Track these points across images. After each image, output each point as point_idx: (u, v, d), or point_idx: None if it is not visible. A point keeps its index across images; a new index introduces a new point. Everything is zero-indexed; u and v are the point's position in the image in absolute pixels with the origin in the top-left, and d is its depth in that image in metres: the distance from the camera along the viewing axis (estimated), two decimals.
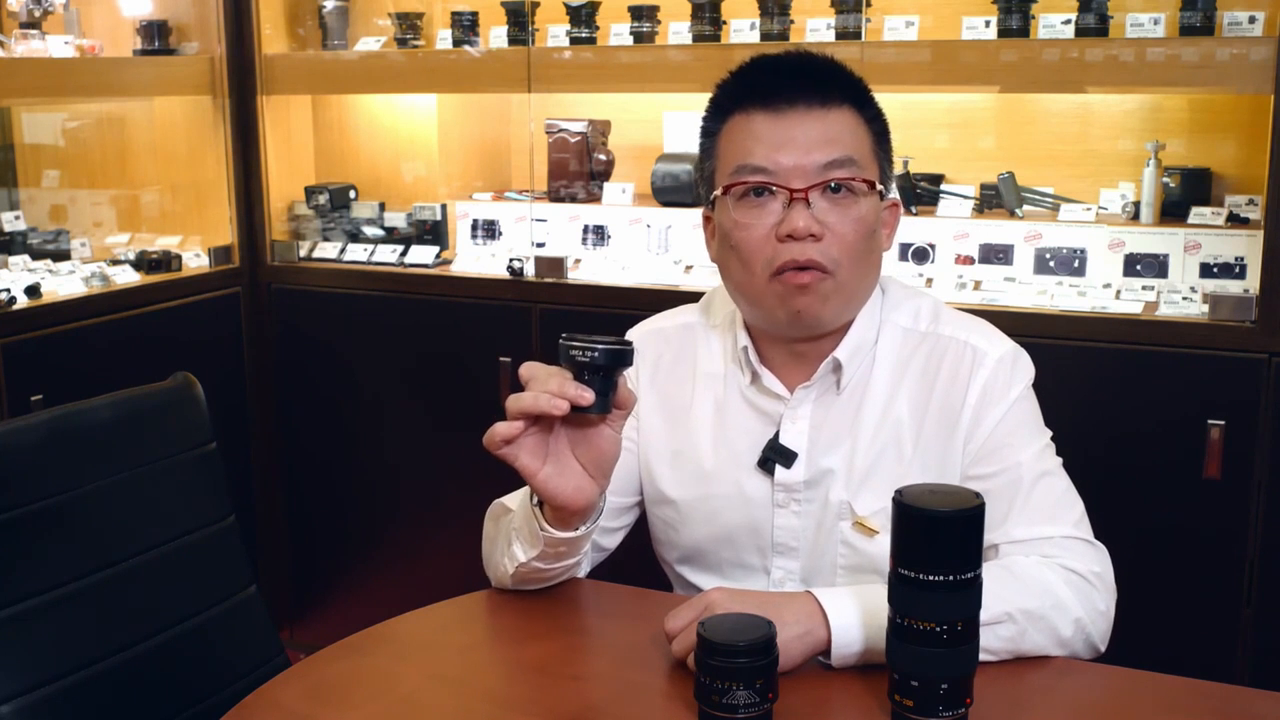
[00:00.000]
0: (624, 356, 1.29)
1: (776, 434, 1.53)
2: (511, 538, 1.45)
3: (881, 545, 1.48)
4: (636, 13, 2.83)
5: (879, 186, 1.48)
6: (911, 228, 2.68)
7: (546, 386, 1.29)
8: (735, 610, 1.24)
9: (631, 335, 1.64)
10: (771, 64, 1.49)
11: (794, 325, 1.48)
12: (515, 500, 1.50)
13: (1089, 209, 2.64)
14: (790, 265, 1.43)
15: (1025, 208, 2.70)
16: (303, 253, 3.21)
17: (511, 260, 2.89)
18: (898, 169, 2.74)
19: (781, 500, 1.53)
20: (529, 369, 1.32)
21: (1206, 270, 2.48)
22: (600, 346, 1.27)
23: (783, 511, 1.53)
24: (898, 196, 1.56)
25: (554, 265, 2.87)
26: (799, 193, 1.43)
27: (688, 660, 1.25)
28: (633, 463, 1.60)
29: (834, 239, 1.43)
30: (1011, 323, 1.97)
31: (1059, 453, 1.51)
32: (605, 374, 1.29)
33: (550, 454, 1.34)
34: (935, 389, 1.50)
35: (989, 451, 1.47)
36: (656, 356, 1.62)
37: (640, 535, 1.65)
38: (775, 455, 1.52)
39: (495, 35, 2.97)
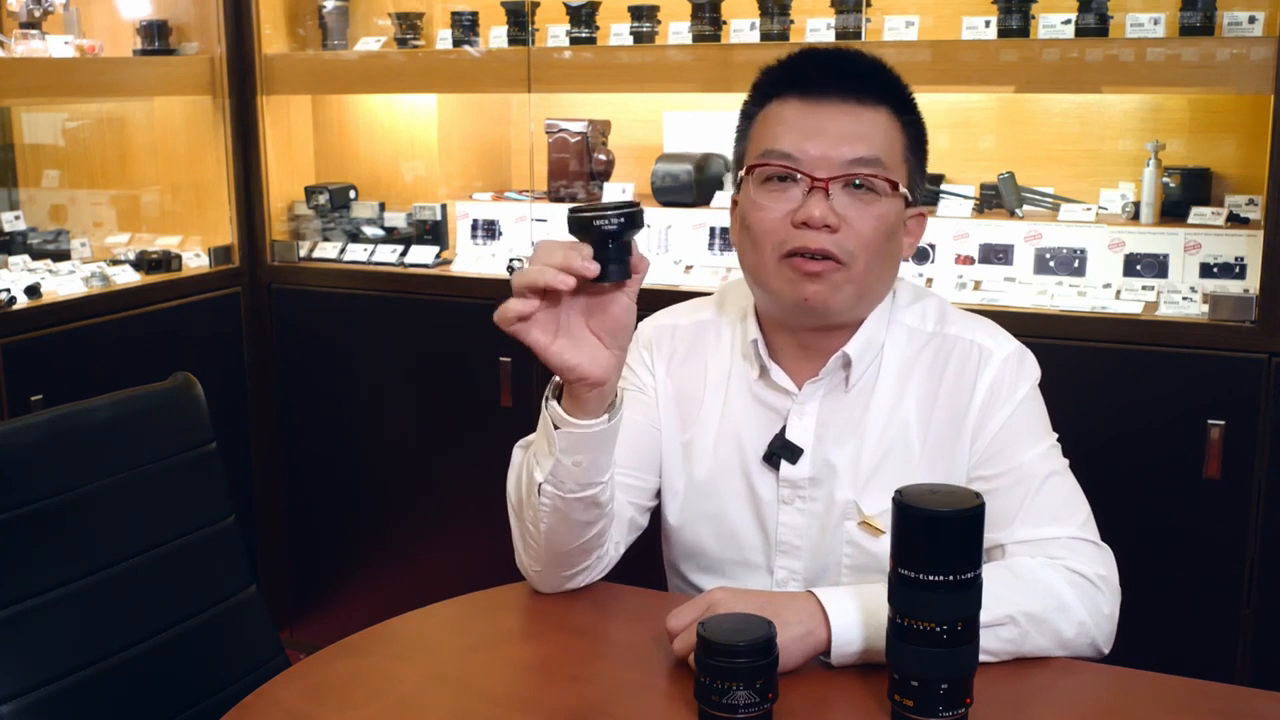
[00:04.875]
0: (636, 219, 1.25)
1: (783, 429, 1.53)
2: (533, 464, 1.40)
3: (887, 545, 1.47)
4: (636, 13, 2.83)
5: (903, 190, 1.47)
6: None
7: (551, 259, 1.24)
8: (737, 610, 1.24)
9: (644, 327, 1.63)
10: (817, 56, 1.50)
11: (801, 312, 1.47)
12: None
13: (1089, 209, 2.64)
14: (801, 251, 1.43)
15: (1025, 208, 2.70)
16: (303, 253, 3.21)
17: (511, 260, 2.89)
18: None
19: (786, 497, 1.53)
20: (540, 244, 1.28)
21: (1206, 270, 2.48)
22: (613, 213, 1.23)
23: (787, 508, 1.53)
24: (924, 208, 1.55)
25: None
26: (820, 182, 1.42)
27: (688, 660, 1.25)
28: (661, 442, 1.60)
29: (850, 233, 1.43)
30: (1011, 323, 1.96)
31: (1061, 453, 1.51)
32: (619, 241, 1.25)
33: (562, 327, 1.30)
34: (942, 388, 1.50)
35: (995, 452, 1.47)
36: (670, 352, 1.62)
37: (640, 536, 1.65)
38: (781, 450, 1.52)
39: (495, 35, 2.97)
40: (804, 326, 1.51)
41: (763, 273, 1.47)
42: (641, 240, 2.88)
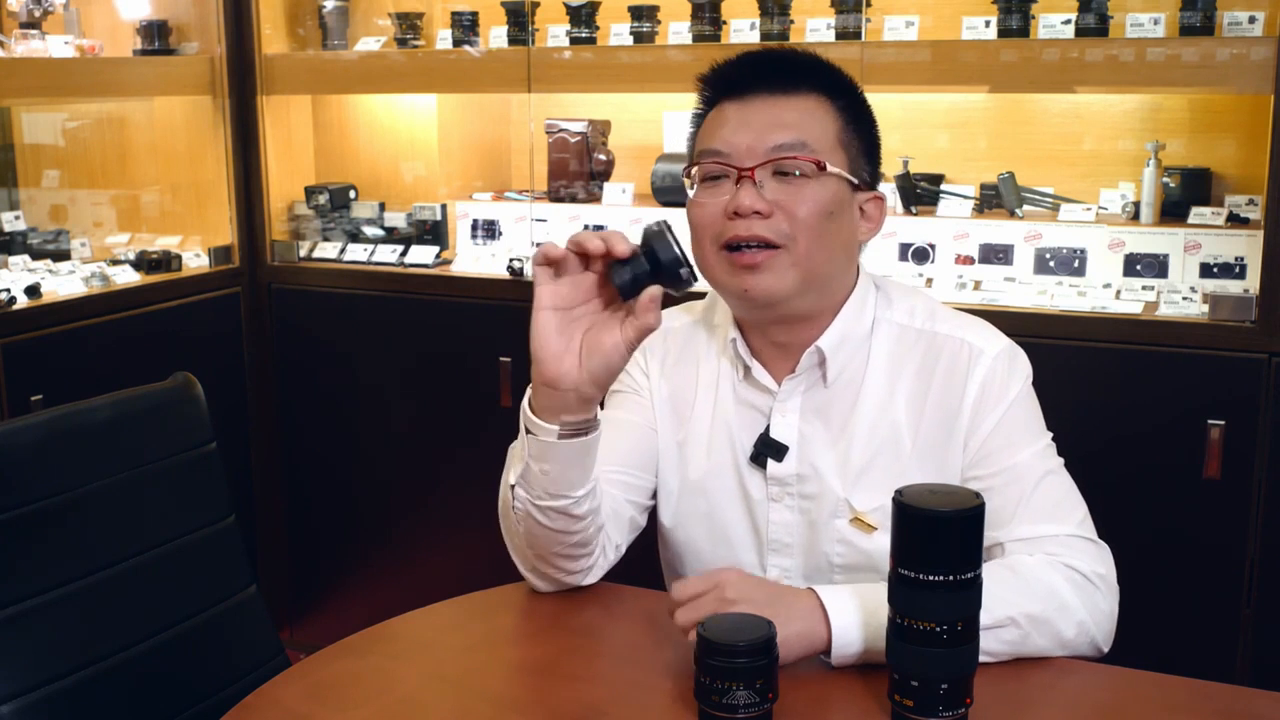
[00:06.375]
0: (674, 271, 1.26)
1: (767, 428, 1.54)
2: (511, 463, 1.44)
3: (879, 542, 1.48)
4: (636, 13, 2.83)
5: (835, 170, 1.46)
6: (911, 228, 2.68)
7: (601, 234, 1.29)
8: (745, 591, 1.25)
9: None
10: (746, 58, 1.53)
11: (746, 304, 1.49)
12: None
13: (1089, 209, 2.64)
14: (734, 241, 1.44)
15: (1025, 208, 2.70)
16: (303, 253, 3.21)
17: (511, 260, 2.89)
18: (897, 169, 2.74)
19: (775, 494, 1.54)
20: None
21: (1206, 270, 2.48)
22: (675, 249, 1.26)
23: (776, 506, 1.54)
24: (881, 191, 1.56)
25: None
26: (745, 171, 1.45)
27: (688, 637, 1.24)
28: (657, 442, 1.61)
29: (783, 216, 1.44)
30: (1011, 323, 1.97)
31: (1059, 453, 1.51)
32: (653, 264, 1.27)
33: (568, 313, 1.31)
34: (932, 387, 1.50)
35: (989, 452, 1.47)
36: (664, 354, 1.63)
37: (640, 536, 1.65)
38: (766, 449, 1.53)
39: (495, 35, 2.97)
40: (762, 321, 1.51)
41: (706, 267, 1.49)
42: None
